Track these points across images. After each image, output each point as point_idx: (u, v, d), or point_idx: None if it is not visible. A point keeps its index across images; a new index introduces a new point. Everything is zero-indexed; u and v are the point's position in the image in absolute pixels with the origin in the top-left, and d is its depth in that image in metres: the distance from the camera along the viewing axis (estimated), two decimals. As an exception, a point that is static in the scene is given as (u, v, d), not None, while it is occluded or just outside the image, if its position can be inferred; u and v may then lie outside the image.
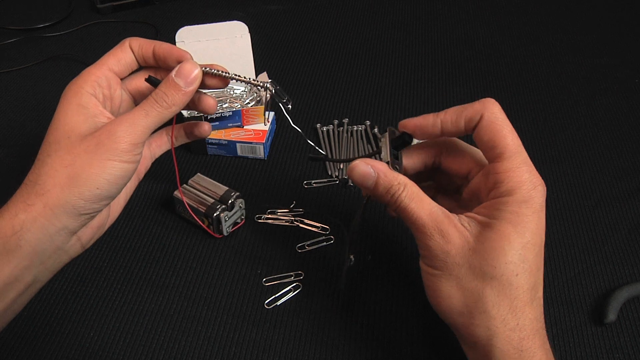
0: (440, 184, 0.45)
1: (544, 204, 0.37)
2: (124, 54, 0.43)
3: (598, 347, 0.45)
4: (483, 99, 0.38)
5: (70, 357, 0.44)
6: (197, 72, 0.40)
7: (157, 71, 0.44)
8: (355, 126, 0.65)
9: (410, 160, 0.43)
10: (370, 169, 0.39)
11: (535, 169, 0.38)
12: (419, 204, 0.37)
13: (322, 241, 0.52)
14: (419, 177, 0.44)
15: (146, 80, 0.43)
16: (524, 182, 0.36)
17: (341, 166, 0.60)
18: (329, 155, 0.62)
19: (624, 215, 0.56)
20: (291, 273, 0.50)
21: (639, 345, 0.45)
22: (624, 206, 0.57)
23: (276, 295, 0.48)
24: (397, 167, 0.40)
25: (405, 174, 0.41)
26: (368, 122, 0.66)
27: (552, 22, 0.87)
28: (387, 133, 0.41)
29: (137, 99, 0.45)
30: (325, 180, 0.59)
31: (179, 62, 0.41)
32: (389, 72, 0.77)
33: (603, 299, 0.48)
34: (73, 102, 0.39)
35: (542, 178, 0.56)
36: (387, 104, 0.70)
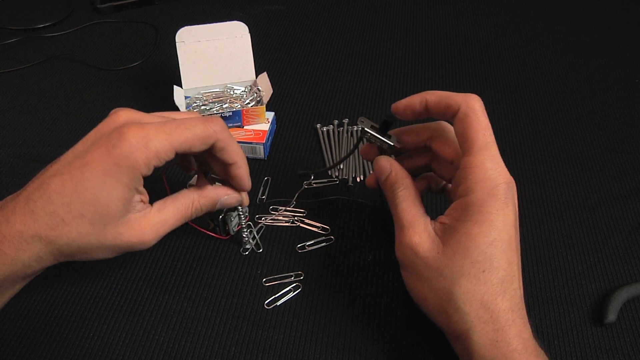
0: (439, 175, 0.47)
1: (509, 199, 0.37)
2: (200, 146, 0.39)
3: (598, 348, 0.45)
4: (467, 93, 0.40)
5: (70, 357, 0.44)
6: (236, 204, 0.47)
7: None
8: (355, 126, 0.65)
9: (405, 138, 0.46)
10: (388, 166, 0.44)
11: (502, 165, 0.38)
12: (409, 206, 0.41)
13: (322, 241, 0.52)
14: (414, 173, 0.47)
15: (208, 178, 0.47)
16: (487, 179, 0.37)
17: (341, 166, 0.60)
18: (328, 156, 0.62)
19: (624, 215, 0.56)
20: (291, 273, 0.50)
21: (639, 345, 0.45)
22: (624, 206, 0.57)
23: (276, 296, 0.48)
24: (398, 144, 0.45)
25: (403, 150, 0.46)
26: (363, 121, 0.66)
27: (552, 22, 0.87)
28: (364, 127, 0.45)
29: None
30: (325, 180, 0.59)
31: (239, 189, 0.46)
32: (389, 72, 0.76)
33: (603, 299, 0.48)
34: (122, 182, 0.36)
35: (542, 178, 0.57)
36: (387, 104, 0.70)
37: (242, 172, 0.44)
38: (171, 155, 0.38)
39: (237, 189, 0.46)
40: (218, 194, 0.44)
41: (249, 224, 0.53)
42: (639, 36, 0.84)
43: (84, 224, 0.36)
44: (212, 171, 0.46)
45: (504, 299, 0.37)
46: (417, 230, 0.39)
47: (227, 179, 0.45)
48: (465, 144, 0.39)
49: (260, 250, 0.51)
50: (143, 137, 0.36)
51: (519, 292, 0.38)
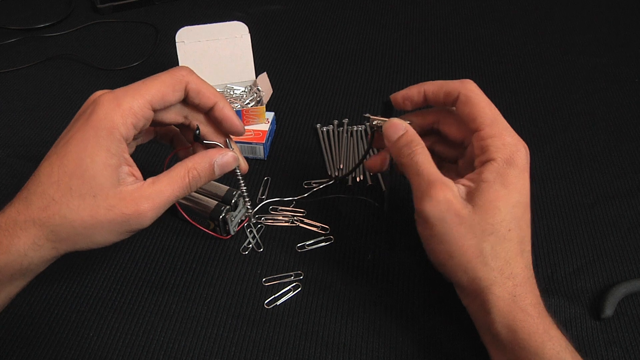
0: (441, 156, 0.48)
1: (527, 165, 0.40)
2: (174, 94, 0.40)
3: (596, 341, 0.45)
4: (462, 79, 0.43)
5: (69, 357, 0.44)
6: (234, 165, 0.43)
7: (192, 112, 0.43)
8: (355, 126, 0.65)
9: (412, 121, 0.46)
10: (404, 124, 0.43)
11: (516, 134, 0.41)
12: (432, 165, 0.41)
13: (322, 241, 0.52)
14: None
15: (195, 136, 0.43)
16: (507, 145, 0.40)
17: (341, 166, 0.60)
18: (328, 156, 0.62)
19: (623, 213, 0.56)
20: (291, 273, 0.50)
21: (637, 339, 0.45)
22: (623, 205, 0.57)
23: (276, 295, 0.48)
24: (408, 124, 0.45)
25: None
26: (368, 115, 0.66)
27: (552, 21, 0.87)
28: (370, 116, 0.46)
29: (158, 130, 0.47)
30: (325, 180, 0.59)
31: (233, 132, 0.44)
32: (389, 71, 0.76)
33: (601, 294, 0.48)
34: (103, 146, 0.36)
35: (542, 175, 0.57)
36: (387, 103, 0.70)
37: (227, 111, 0.43)
38: (147, 111, 0.38)
39: (231, 131, 0.44)
40: (211, 155, 0.42)
41: (250, 223, 0.53)
42: (638, 35, 0.84)
43: (73, 198, 0.36)
44: (203, 137, 0.45)
45: (522, 257, 0.39)
46: (450, 187, 0.39)
47: (219, 135, 0.45)
48: (475, 121, 0.41)
49: (261, 250, 0.51)
50: (114, 98, 0.37)
51: (530, 253, 0.41)
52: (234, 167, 0.44)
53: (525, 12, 0.90)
